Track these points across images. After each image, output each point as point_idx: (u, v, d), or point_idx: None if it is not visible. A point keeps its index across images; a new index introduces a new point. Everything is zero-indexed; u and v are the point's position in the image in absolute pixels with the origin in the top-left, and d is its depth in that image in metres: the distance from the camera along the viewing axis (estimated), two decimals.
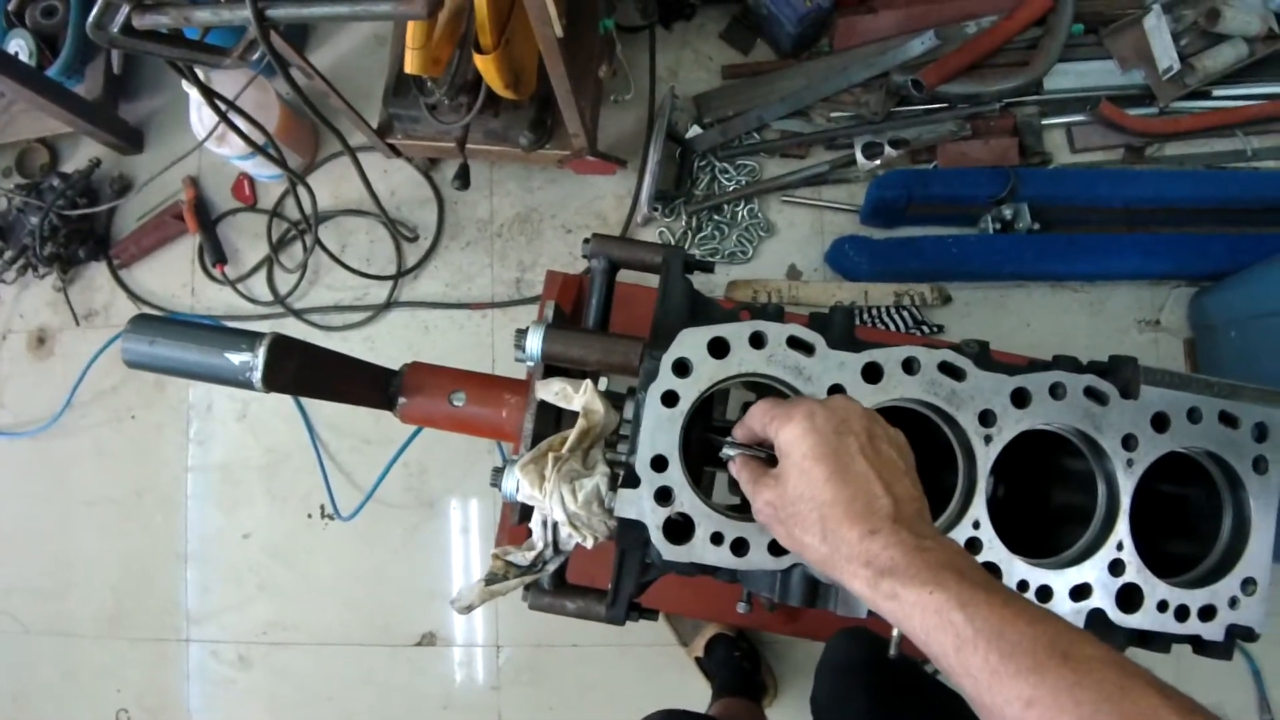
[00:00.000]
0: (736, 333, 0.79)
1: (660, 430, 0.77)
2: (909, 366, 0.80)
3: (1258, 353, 1.66)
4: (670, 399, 0.77)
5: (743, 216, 1.94)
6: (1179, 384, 0.85)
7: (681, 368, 0.78)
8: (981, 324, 1.89)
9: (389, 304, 1.95)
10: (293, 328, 1.94)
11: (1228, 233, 1.84)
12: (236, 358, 0.70)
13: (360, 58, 2.06)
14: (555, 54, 1.42)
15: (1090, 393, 0.82)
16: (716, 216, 1.95)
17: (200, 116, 1.73)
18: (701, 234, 1.95)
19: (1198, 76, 1.86)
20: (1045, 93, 1.91)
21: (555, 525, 0.83)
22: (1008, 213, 1.85)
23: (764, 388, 0.82)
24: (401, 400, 0.98)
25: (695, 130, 1.96)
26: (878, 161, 1.88)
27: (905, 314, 1.88)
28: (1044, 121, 1.92)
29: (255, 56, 1.09)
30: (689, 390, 0.78)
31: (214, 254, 1.94)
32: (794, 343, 0.79)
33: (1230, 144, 1.92)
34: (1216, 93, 1.91)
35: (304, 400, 1.93)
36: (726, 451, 0.75)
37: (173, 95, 2.07)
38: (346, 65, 2.06)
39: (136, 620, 1.97)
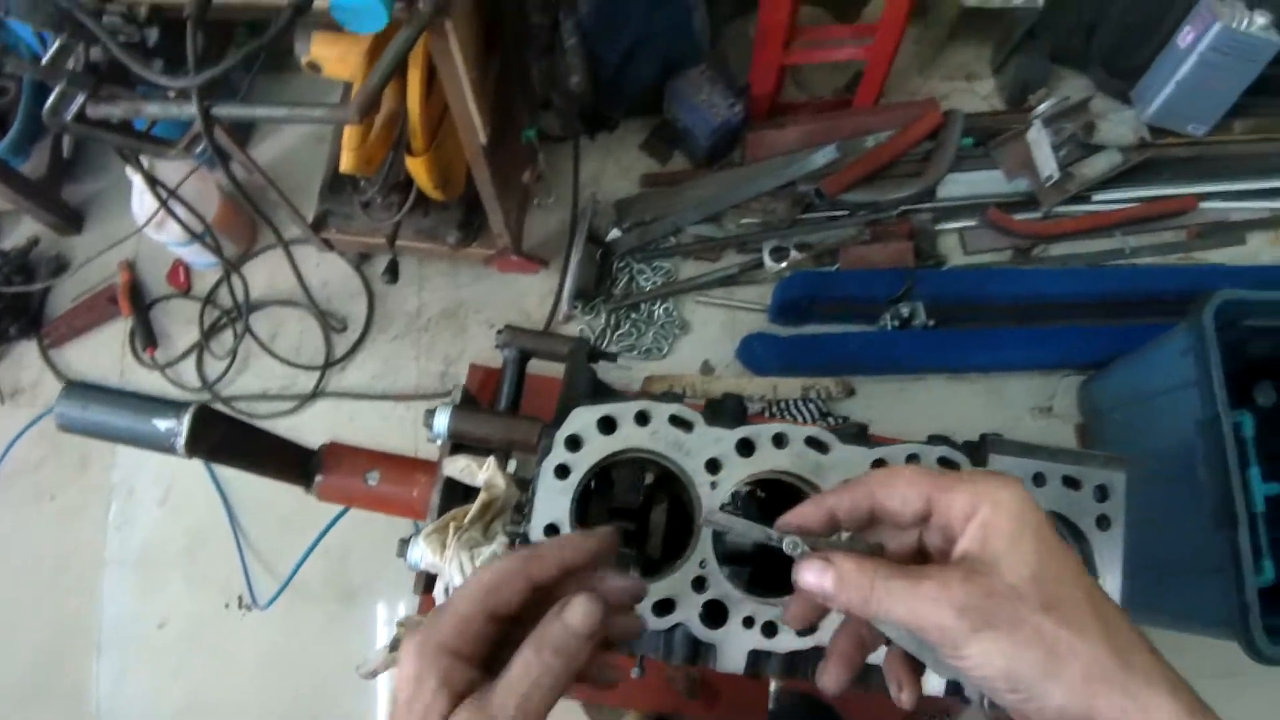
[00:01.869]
0: (624, 411, 0.87)
1: (553, 500, 0.84)
2: (779, 441, 0.89)
3: (1138, 432, 1.78)
4: (562, 471, 0.85)
5: (659, 315, 2.06)
6: (1026, 453, 0.95)
7: (573, 442, 0.86)
8: (884, 414, 2.01)
9: (315, 394, 2.00)
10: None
11: (1110, 324, 1.98)
12: (162, 424, 0.77)
13: (301, 154, 2.17)
14: (480, 159, 1.55)
15: (942, 461, 0.92)
16: (634, 315, 2.06)
17: (141, 202, 1.80)
18: (620, 331, 2.05)
19: (1077, 183, 2.04)
20: (938, 200, 2.08)
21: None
22: (905, 310, 1.99)
23: (664, 473, 0.90)
24: (319, 478, 1.04)
25: (615, 233, 2.08)
26: (784, 264, 2.03)
27: (812, 406, 1.99)
28: (938, 226, 2.09)
29: (199, 149, 1.18)
30: (580, 463, 0.86)
31: (145, 338, 1.98)
32: (675, 420, 0.88)
33: (1110, 243, 2.10)
34: (1095, 197, 2.09)
35: (225, 484, 1.95)
36: (791, 542, 0.52)
37: (115, 180, 2.14)
38: (287, 160, 2.16)
39: (45, 707, 1.92)
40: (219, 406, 1.96)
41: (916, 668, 0.54)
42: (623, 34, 1.93)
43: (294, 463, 1.01)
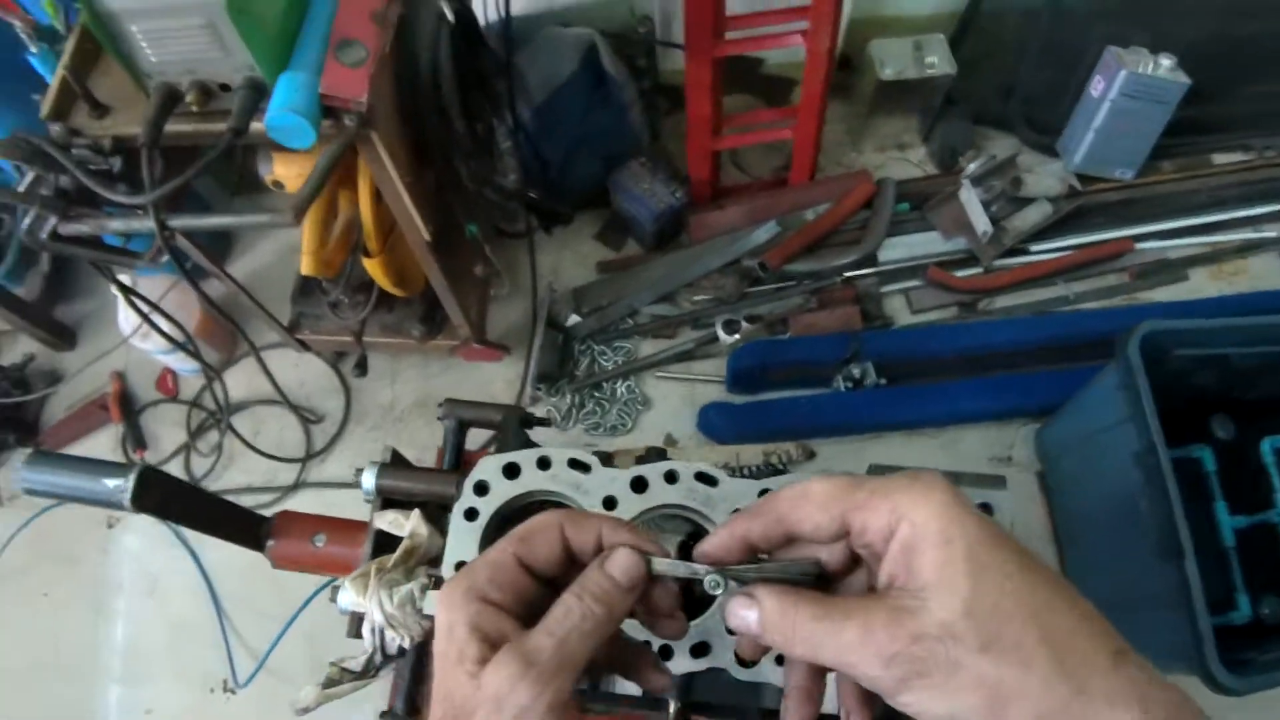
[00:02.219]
0: (527, 458, 0.96)
1: (462, 540, 0.93)
2: (670, 477, 0.98)
3: (1089, 474, 1.81)
4: (471, 514, 0.94)
5: (622, 393, 2.16)
6: None
7: (481, 488, 0.95)
8: None
9: (297, 485, 2.10)
10: None
11: (1057, 369, 2.04)
12: (111, 482, 0.87)
13: (277, 266, 2.32)
14: (428, 256, 1.67)
15: None
16: (598, 394, 2.16)
17: (126, 315, 1.94)
18: (585, 410, 2.15)
19: (1011, 236, 2.15)
20: (880, 264, 2.19)
21: (382, 632, 0.97)
22: (856, 371, 2.08)
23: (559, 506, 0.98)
24: (270, 542, 1.14)
25: (575, 319, 2.20)
26: (737, 335, 2.13)
27: (772, 470, 2.07)
28: (882, 289, 2.20)
29: (164, 260, 1.31)
30: (487, 506, 0.94)
31: (135, 441, 2.10)
32: (574, 464, 0.97)
33: (1054, 291, 2.18)
34: (1034, 248, 2.20)
35: (211, 572, 2.03)
36: (713, 580, 0.48)
37: (104, 299, 2.29)
38: (264, 271, 2.31)
39: None
40: None
41: (868, 696, 0.49)
42: (564, 136, 2.10)
43: (246, 527, 1.10)
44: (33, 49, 1.34)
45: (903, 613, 0.41)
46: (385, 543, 1.06)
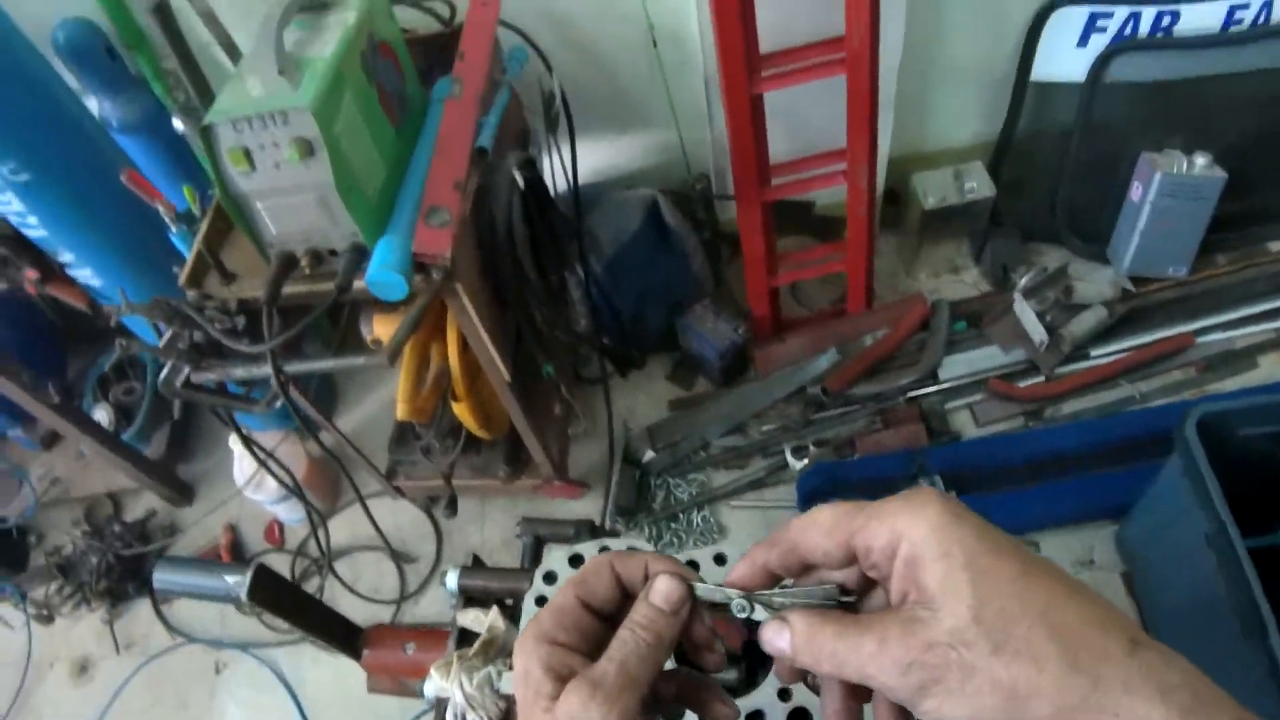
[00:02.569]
0: (589, 548, 1.06)
1: None
2: (719, 559, 1.05)
3: (1172, 564, 1.76)
4: (540, 601, 1.03)
5: (698, 523, 2.23)
6: None
7: (549, 577, 1.04)
8: None
9: (392, 624, 2.20)
10: (307, 649, 2.18)
11: (1132, 467, 2.02)
12: (230, 578, 1.00)
13: (377, 419, 2.52)
14: (509, 396, 1.83)
15: None
16: (674, 525, 2.24)
17: (241, 468, 2.13)
18: (663, 541, 2.22)
19: (1068, 343, 2.20)
20: (941, 381, 2.26)
21: (464, 715, 1.04)
22: (924, 485, 2.11)
23: None
24: (365, 652, 1.24)
25: (650, 454, 2.31)
26: (805, 460, 2.20)
27: None
28: (947, 405, 2.25)
29: (279, 403, 1.49)
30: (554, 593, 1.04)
31: None
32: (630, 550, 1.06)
33: (1120, 392, 2.20)
34: (1093, 352, 2.24)
35: (308, 707, 2.13)
36: (739, 604, 0.51)
37: (219, 456, 2.51)
38: (362, 426, 2.51)
39: None
40: (307, 644, 2.20)
41: (905, 714, 0.49)
42: (633, 286, 2.29)
43: (343, 634, 1.21)
44: (174, 229, 1.58)
45: (915, 623, 0.42)
46: (468, 639, 1.16)
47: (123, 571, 2.31)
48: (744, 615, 0.51)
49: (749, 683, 0.93)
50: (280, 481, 1.87)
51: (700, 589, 0.52)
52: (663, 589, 0.51)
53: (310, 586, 2.28)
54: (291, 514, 2.31)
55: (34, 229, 1.83)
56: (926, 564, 0.43)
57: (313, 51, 1.38)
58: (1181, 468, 1.58)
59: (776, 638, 0.48)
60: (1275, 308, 2.24)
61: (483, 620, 1.12)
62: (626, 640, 0.49)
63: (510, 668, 1.02)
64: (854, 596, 0.51)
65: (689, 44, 2.08)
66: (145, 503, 2.48)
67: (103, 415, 2.39)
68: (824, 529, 0.48)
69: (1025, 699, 0.39)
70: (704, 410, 2.34)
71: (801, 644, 0.47)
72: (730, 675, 0.94)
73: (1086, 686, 0.38)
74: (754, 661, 1.00)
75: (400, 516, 2.35)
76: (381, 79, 1.50)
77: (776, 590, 0.51)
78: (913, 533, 0.43)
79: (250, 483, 2.15)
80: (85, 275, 1.93)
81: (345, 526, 2.35)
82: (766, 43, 1.82)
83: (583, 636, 0.50)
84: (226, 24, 1.59)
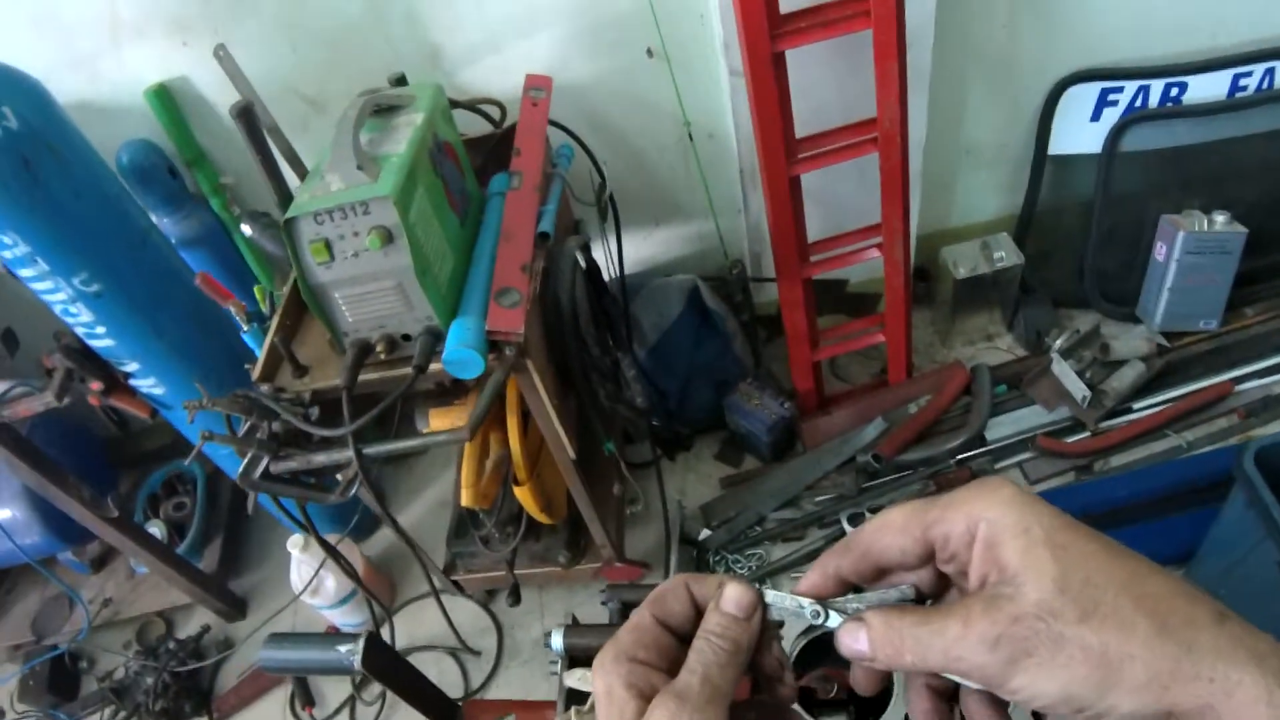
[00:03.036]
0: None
1: None
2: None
3: (1250, 600, 1.72)
4: None
5: None
6: None
7: None
8: None
9: None
10: None
11: (1189, 513, 2.02)
12: (343, 648, 1.00)
13: (429, 519, 2.52)
14: (573, 473, 1.85)
15: None
16: None
17: (299, 572, 2.12)
18: None
19: (1111, 398, 2.23)
20: (989, 443, 2.27)
21: None
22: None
23: None
24: None
25: (706, 533, 2.31)
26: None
27: None
28: (996, 465, 2.25)
29: (352, 492, 1.51)
30: None
31: (304, 698, 2.20)
32: None
33: (1168, 442, 2.21)
34: (1136, 405, 2.27)
35: None
36: (813, 610, 0.50)
37: (272, 567, 2.51)
38: (417, 528, 2.51)
39: None
40: None
41: (997, 703, 0.49)
42: (678, 369, 2.34)
43: (442, 709, 1.20)
44: (245, 329, 1.64)
45: (1000, 599, 0.42)
46: (575, 700, 1.15)
47: (178, 690, 2.27)
48: (818, 621, 0.50)
49: None
50: (347, 573, 1.87)
51: (771, 596, 0.51)
52: (733, 595, 0.50)
53: (372, 691, 2.24)
54: (349, 618, 2.28)
55: (100, 339, 1.88)
56: (1007, 542, 0.43)
57: (385, 150, 1.46)
58: (1245, 501, 1.59)
59: (854, 639, 0.48)
60: None
61: (589, 678, 1.11)
62: (704, 650, 0.48)
63: None
64: (928, 600, 0.51)
65: (724, 138, 2.19)
66: (197, 620, 2.46)
67: (156, 531, 2.40)
68: (898, 526, 0.48)
69: (1118, 666, 0.39)
70: (756, 486, 2.35)
71: (880, 639, 0.46)
72: None
73: (1179, 652, 0.38)
74: (863, 712, 1.00)
75: (458, 614, 2.31)
76: (445, 175, 1.59)
77: (851, 596, 0.51)
78: (990, 513, 0.44)
79: (308, 588, 2.14)
80: (148, 385, 1.97)
81: (401, 628, 2.32)
82: (802, 128, 1.92)
83: (661, 654, 0.50)
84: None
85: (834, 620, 0.50)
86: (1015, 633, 0.40)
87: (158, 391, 1.99)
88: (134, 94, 1.93)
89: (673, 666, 0.49)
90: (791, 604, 0.51)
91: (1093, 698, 0.39)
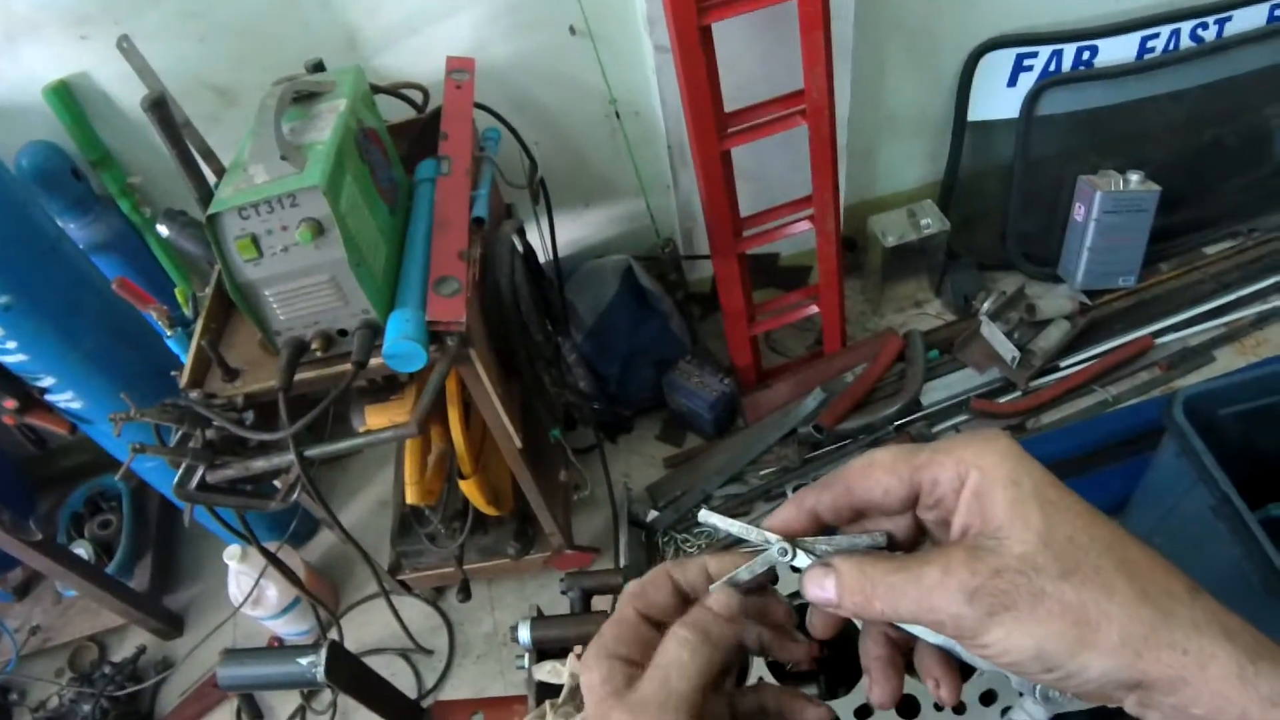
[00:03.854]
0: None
1: None
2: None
3: (1184, 547, 1.76)
4: None
5: None
6: None
7: None
8: None
9: None
10: None
11: (1120, 465, 2.09)
12: (305, 660, 0.96)
13: (369, 521, 2.46)
14: (520, 463, 1.82)
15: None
16: None
17: (238, 584, 2.04)
18: None
19: (1039, 358, 2.30)
20: (926, 407, 2.32)
21: None
22: None
23: None
24: None
25: (654, 514, 2.30)
26: None
27: None
28: (934, 429, 2.30)
29: (294, 497, 1.45)
30: None
31: (251, 712, 2.13)
32: None
33: (1094, 398, 2.29)
34: (1063, 364, 2.34)
35: None
36: (781, 548, 0.48)
37: (208, 581, 2.42)
38: (358, 529, 2.42)
39: None
40: None
41: (951, 659, 0.49)
42: (616, 351, 2.32)
43: (408, 714, 1.17)
44: (169, 334, 1.56)
45: (982, 550, 0.41)
46: (546, 692, 1.13)
47: (118, 715, 2.17)
48: (785, 559, 0.48)
49: (828, 697, 0.93)
50: (290, 580, 1.81)
51: (734, 527, 0.49)
52: (718, 593, 0.49)
53: (322, 700, 2.18)
54: (292, 627, 2.21)
55: (12, 354, 1.77)
56: (996, 492, 0.42)
57: (310, 138, 1.40)
58: (1175, 449, 1.64)
59: (819, 584, 0.45)
60: (1221, 304, 2.39)
61: (560, 671, 1.10)
62: (669, 645, 0.46)
63: None
64: (898, 551, 0.49)
65: (651, 116, 2.17)
66: (132, 640, 2.35)
67: (83, 552, 2.29)
68: (886, 465, 0.46)
69: (1095, 625, 0.38)
70: (701, 464, 2.35)
71: (850, 585, 0.44)
72: (810, 691, 0.94)
73: (1156, 618, 0.38)
74: (833, 679, 1.01)
75: (405, 614, 2.24)
76: (373, 162, 1.53)
77: (821, 539, 0.49)
78: (983, 461, 0.43)
79: (249, 599, 2.06)
80: (66, 399, 1.87)
81: (349, 633, 2.26)
82: (730, 103, 1.91)
83: (644, 648, 0.48)
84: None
85: (801, 560, 0.48)
86: (995, 585, 0.40)
87: (77, 406, 1.89)
88: (32, 93, 1.81)
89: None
90: (756, 537, 0.49)
91: (1065, 656, 0.39)
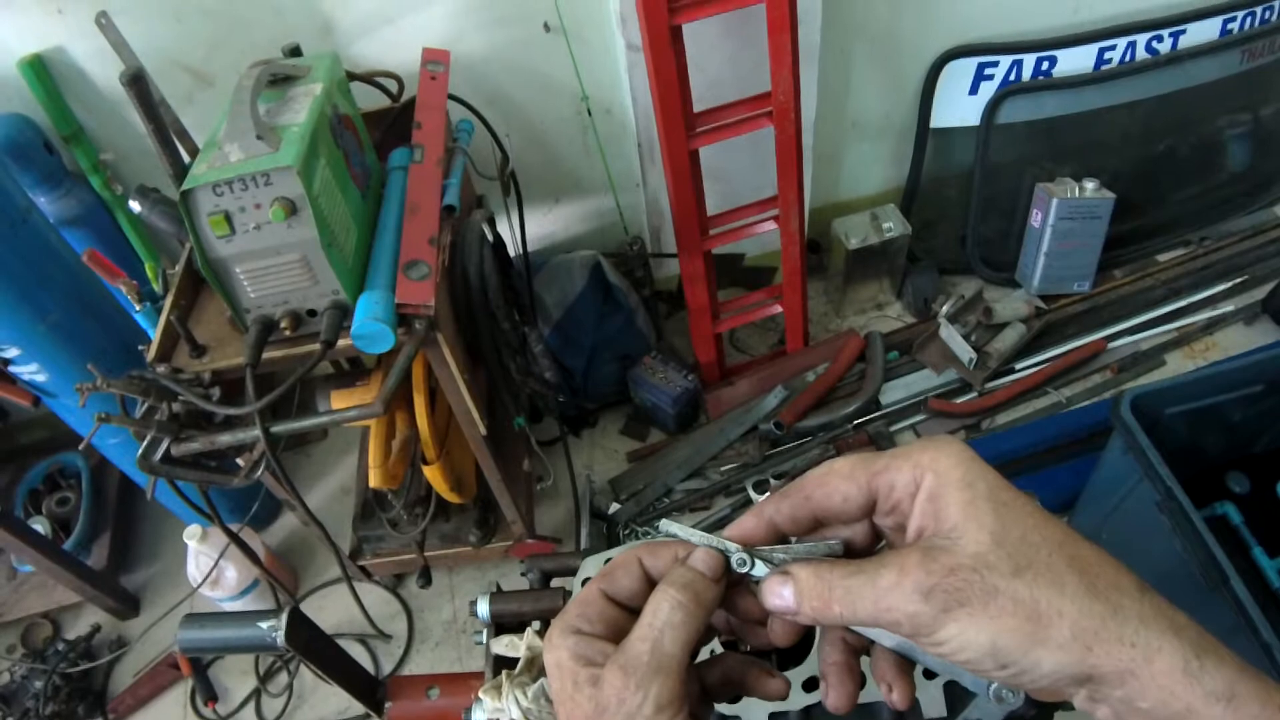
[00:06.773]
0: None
1: None
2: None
3: (1130, 543, 1.84)
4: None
5: None
6: None
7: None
8: None
9: (368, 713, 2.11)
10: None
11: (1069, 463, 2.17)
12: (265, 624, 0.97)
13: (329, 507, 2.46)
14: (483, 449, 1.84)
15: None
16: None
17: (197, 564, 2.05)
18: None
19: (995, 360, 2.37)
20: (884, 407, 2.38)
21: None
22: None
23: None
24: (388, 705, 1.22)
25: (615, 506, 2.34)
26: (767, 494, 2.26)
27: None
28: (892, 429, 2.36)
29: (258, 474, 1.47)
30: None
31: (205, 692, 2.12)
32: None
33: (1048, 399, 2.37)
34: (1018, 366, 2.42)
35: None
36: (740, 558, 0.49)
37: (166, 561, 2.41)
38: (319, 515, 2.41)
39: None
40: None
41: (905, 665, 0.50)
42: (582, 345, 2.36)
43: (366, 687, 1.19)
44: (138, 308, 1.57)
45: (936, 550, 0.42)
46: (504, 665, 1.16)
47: (70, 693, 2.15)
48: (743, 569, 0.49)
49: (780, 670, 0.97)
50: (251, 559, 1.81)
51: (696, 537, 0.50)
52: (701, 554, 0.49)
53: (279, 683, 2.18)
54: (251, 609, 2.21)
55: None
56: (950, 494, 0.43)
57: (285, 119, 1.42)
58: (1122, 447, 1.70)
59: (777, 593, 0.47)
60: (1172, 310, 2.48)
61: (517, 644, 1.12)
62: (659, 605, 0.46)
63: None
64: (856, 554, 0.50)
65: (621, 114, 2.20)
66: (87, 619, 2.34)
67: (40, 528, 2.27)
68: (844, 473, 0.48)
69: (1047, 621, 0.40)
70: (663, 459, 2.39)
71: (808, 591, 0.46)
72: None
73: (1106, 612, 0.39)
74: (783, 655, 1.05)
75: (365, 599, 2.26)
76: (346, 147, 1.55)
77: (778, 547, 0.50)
78: (938, 465, 0.45)
79: (207, 580, 2.07)
80: (30, 371, 1.86)
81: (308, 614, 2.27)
82: (699, 103, 1.95)
83: (608, 626, 0.49)
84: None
85: (760, 570, 0.49)
86: (950, 583, 0.41)
87: (41, 379, 1.88)
88: (7, 66, 1.81)
89: (619, 637, 0.48)
90: (716, 546, 0.50)
91: (1019, 652, 0.40)
